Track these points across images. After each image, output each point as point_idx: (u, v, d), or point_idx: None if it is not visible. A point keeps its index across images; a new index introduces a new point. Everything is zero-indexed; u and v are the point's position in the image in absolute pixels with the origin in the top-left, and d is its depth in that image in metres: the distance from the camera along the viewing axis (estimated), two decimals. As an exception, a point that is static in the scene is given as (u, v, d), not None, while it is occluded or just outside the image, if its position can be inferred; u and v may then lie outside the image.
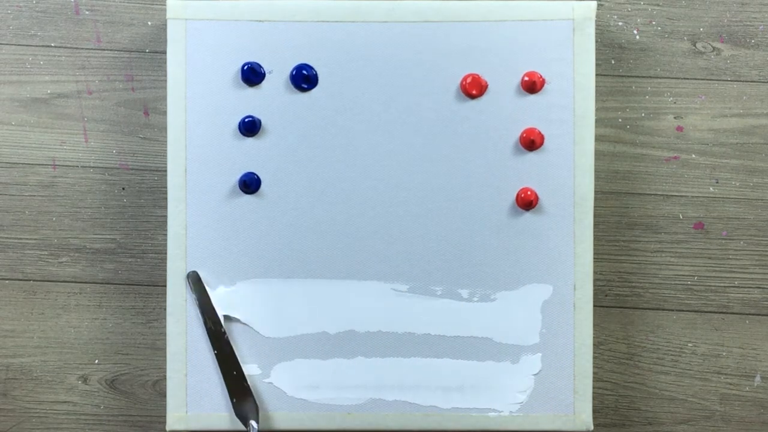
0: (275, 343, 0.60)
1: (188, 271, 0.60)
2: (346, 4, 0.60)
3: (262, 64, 0.60)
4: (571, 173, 0.60)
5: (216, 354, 0.59)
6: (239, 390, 0.59)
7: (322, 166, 0.60)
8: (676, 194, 0.63)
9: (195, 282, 0.59)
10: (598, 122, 0.63)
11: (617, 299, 0.64)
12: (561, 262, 0.60)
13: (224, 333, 0.59)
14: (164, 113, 0.63)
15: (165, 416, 0.61)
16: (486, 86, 0.60)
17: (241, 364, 0.60)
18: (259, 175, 0.60)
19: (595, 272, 0.63)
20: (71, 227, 0.63)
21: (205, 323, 0.59)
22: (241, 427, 0.60)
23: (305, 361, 0.60)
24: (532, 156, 0.60)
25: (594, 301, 0.61)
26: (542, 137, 0.60)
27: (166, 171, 0.61)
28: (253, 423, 0.58)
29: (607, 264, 0.63)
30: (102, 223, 0.63)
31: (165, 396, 0.61)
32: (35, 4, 0.63)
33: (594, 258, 0.61)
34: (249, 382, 0.59)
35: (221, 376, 0.59)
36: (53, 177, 0.63)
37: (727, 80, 0.63)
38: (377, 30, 0.60)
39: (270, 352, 0.60)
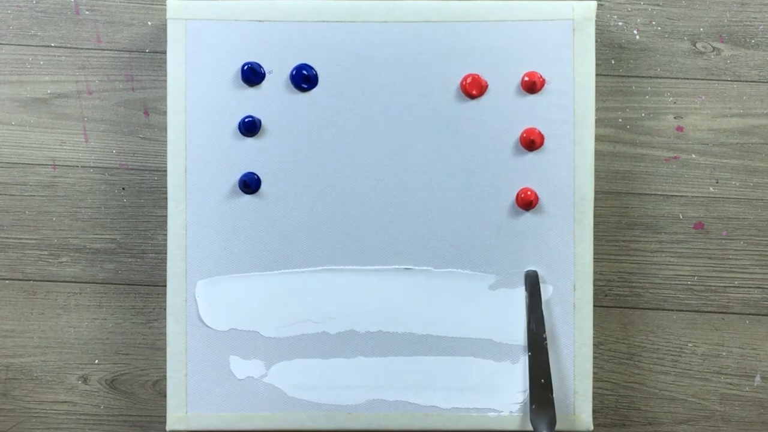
0: (275, 343, 0.60)
1: (527, 270, 0.59)
2: (346, 4, 0.60)
3: (262, 64, 0.60)
4: (571, 173, 0.60)
5: (530, 356, 0.59)
6: (542, 399, 0.58)
7: (322, 166, 0.60)
8: (676, 194, 0.63)
9: (533, 280, 0.59)
10: (598, 122, 0.63)
11: (617, 299, 0.64)
12: (561, 262, 0.60)
13: (545, 339, 0.59)
14: (164, 113, 0.63)
15: (165, 416, 0.61)
16: (486, 86, 0.60)
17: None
18: (259, 175, 0.60)
19: (595, 272, 0.63)
20: (71, 227, 0.63)
21: (528, 323, 0.59)
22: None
23: (305, 361, 0.60)
24: (532, 156, 0.60)
25: (594, 301, 0.61)
26: (542, 137, 0.60)
27: (166, 171, 0.61)
28: None
29: (607, 264, 0.63)
30: (102, 223, 0.63)
31: (165, 396, 0.61)
32: (35, 4, 0.63)
33: (594, 258, 0.61)
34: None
35: (528, 379, 0.59)
36: (53, 177, 0.63)
37: (727, 80, 0.63)
38: (377, 30, 0.60)
39: (270, 352, 0.60)
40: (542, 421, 0.58)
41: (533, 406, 0.58)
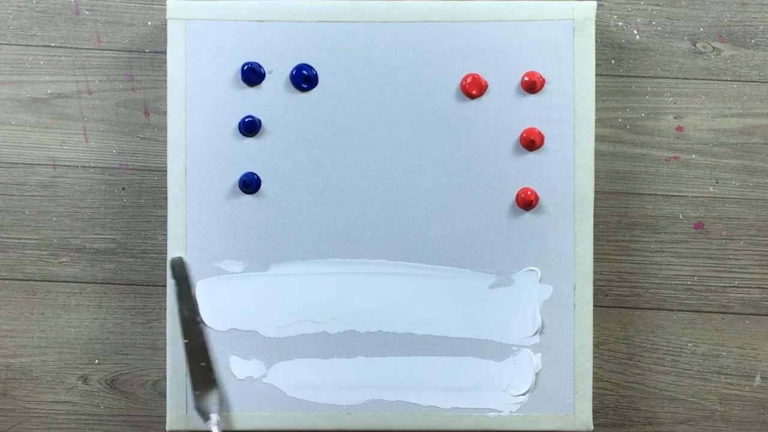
0: (275, 343, 0.60)
1: (172, 257, 0.59)
2: (346, 4, 0.60)
3: (262, 64, 0.60)
4: (571, 173, 0.60)
5: (186, 343, 0.58)
6: (204, 381, 0.58)
7: (322, 165, 0.60)
8: (676, 194, 0.63)
9: (179, 267, 0.59)
10: (598, 122, 0.63)
11: (617, 299, 0.64)
12: (561, 262, 0.60)
13: (199, 322, 0.58)
14: (164, 113, 0.63)
15: (165, 416, 0.61)
16: (486, 86, 0.60)
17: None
18: (259, 175, 0.60)
19: (595, 272, 0.63)
20: (71, 227, 0.63)
21: (180, 311, 0.59)
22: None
23: (305, 361, 0.60)
24: (532, 156, 0.60)
25: (594, 301, 0.61)
26: (542, 137, 0.60)
27: (166, 171, 0.61)
28: (214, 416, 0.57)
29: (607, 264, 0.63)
30: (102, 223, 0.63)
31: (165, 396, 0.61)
32: (35, 4, 0.63)
33: (594, 258, 0.61)
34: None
35: (187, 366, 0.59)
36: (53, 177, 0.63)
37: (727, 80, 0.63)
38: (377, 30, 0.60)
39: (270, 352, 0.60)
40: (211, 403, 0.58)
41: (197, 392, 0.58)
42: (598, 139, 0.63)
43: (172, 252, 0.60)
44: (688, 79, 0.63)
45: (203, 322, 0.59)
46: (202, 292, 0.60)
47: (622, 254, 0.63)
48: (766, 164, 0.63)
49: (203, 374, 0.58)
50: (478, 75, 0.60)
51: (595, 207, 0.62)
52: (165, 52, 0.61)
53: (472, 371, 0.60)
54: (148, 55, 0.63)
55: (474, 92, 0.60)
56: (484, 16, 0.60)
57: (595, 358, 0.63)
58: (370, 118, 0.60)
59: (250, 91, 0.60)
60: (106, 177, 0.63)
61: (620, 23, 0.63)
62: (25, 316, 0.64)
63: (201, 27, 0.60)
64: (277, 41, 0.60)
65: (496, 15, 0.60)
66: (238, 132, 0.60)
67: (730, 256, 0.64)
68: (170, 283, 0.59)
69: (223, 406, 0.58)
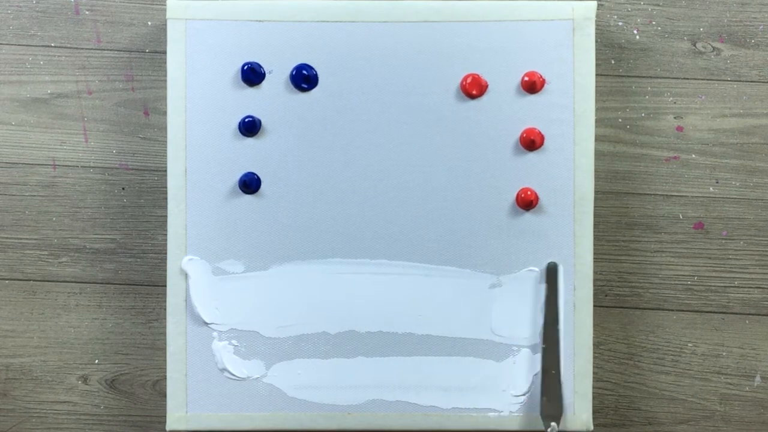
0: (275, 343, 0.60)
1: (549, 263, 0.60)
2: (346, 4, 0.60)
3: (262, 64, 0.60)
4: (571, 173, 0.60)
5: (544, 348, 0.59)
6: (552, 391, 0.59)
7: (322, 166, 0.60)
8: (676, 194, 0.63)
9: (553, 274, 0.59)
10: (598, 122, 0.63)
11: (617, 299, 0.64)
12: (561, 262, 0.60)
13: (558, 331, 0.59)
14: (164, 113, 0.63)
15: (165, 416, 0.61)
16: (486, 86, 0.60)
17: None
18: (259, 175, 0.60)
19: (595, 272, 0.63)
20: (71, 227, 0.63)
21: (546, 315, 0.59)
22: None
23: (305, 361, 0.60)
24: (532, 156, 0.60)
25: (594, 301, 0.61)
26: (542, 137, 0.60)
27: (166, 171, 0.61)
28: (554, 425, 0.59)
29: (607, 264, 0.63)
30: (102, 223, 0.63)
31: (165, 396, 0.61)
32: (35, 4, 0.63)
33: (594, 258, 0.61)
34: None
35: (541, 371, 0.60)
36: (53, 177, 0.63)
37: (727, 80, 0.63)
38: (377, 30, 0.60)
39: (270, 352, 0.60)
40: (555, 413, 0.59)
41: (544, 398, 0.59)
42: (598, 139, 0.63)
43: (173, 252, 0.60)
44: (688, 79, 0.63)
45: (560, 332, 0.60)
46: (202, 292, 0.60)
47: (622, 254, 0.63)
48: (766, 164, 0.63)
49: (553, 382, 0.59)
50: (478, 75, 0.60)
51: (595, 207, 0.62)
52: (165, 52, 0.61)
53: (472, 371, 0.60)
54: (148, 55, 0.63)
55: (474, 92, 0.60)
56: (484, 16, 0.60)
57: (595, 358, 0.63)
58: (370, 118, 0.60)
59: (250, 91, 0.60)
60: (106, 177, 0.63)
61: (620, 23, 0.63)
62: (25, 316, 0.64)
63: (201, 27, 0.60)
64: (277, 41, 0.60)
65: (496, 15, 0.60)
66: (238, 132, 0.60)
67: (730, 256, 0.64)
68: (540, 288, 0.60)
69: (560, 417, 0.59)
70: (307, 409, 0.60)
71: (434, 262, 0.60)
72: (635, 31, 0.63)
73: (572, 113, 0.60)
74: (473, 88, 0.60)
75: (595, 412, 0.63)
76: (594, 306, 0.61)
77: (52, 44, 0.63)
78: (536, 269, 0.60)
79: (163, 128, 0.63)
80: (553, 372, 0.59)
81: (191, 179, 0.60)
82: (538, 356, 0.60)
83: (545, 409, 0.59)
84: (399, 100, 0.60)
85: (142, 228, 0.64)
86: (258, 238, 0.60)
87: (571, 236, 0.60)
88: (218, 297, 0.60)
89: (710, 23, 0.63)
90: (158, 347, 0.64)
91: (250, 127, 0.60)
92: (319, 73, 0.60)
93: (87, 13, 0.63)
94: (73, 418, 0.64)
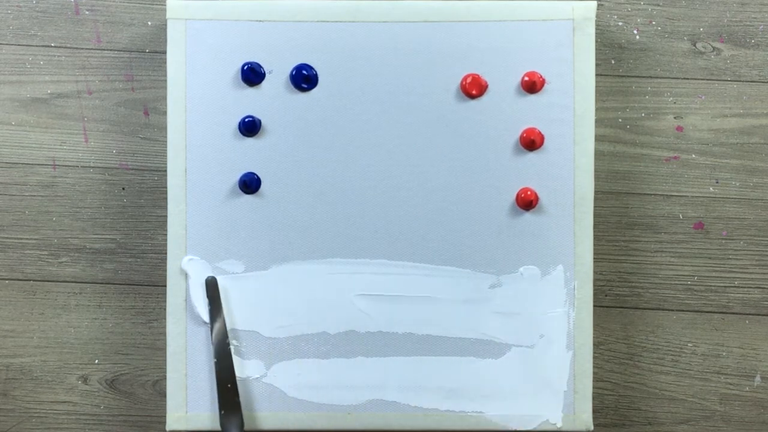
0: (275, 343, 0.60)
1: (207, 276, 0.59)
2: (346, 4, 0.60)
3: (262, 64, 0.60)
4: (571, 173, 0.60)
5: (215, 362, 0.59)
6: (229, 404, 0.59)
7: (322, 165, 0.60)
8: (676, 194, 0.63)
9: (212, 288, 0.59)
10: (598, 122, 0.63)
11: (617, 299, 0.64)
12: (561, 262, 0.60)
13: (228, 344, 0.59)
14: (164, 113, 0.63)
15: (165, 416, 0.61)
16: (486, 86, 0.60)
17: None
18: (259, 175, 0.60)
19: (595, 272, 0.63)
20: (71, 227, 0.63)
21: (211, 330, 0.59)
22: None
23: (305, 361, 0.60)
24: (532, 156, 0.60)
25: (594, 301, 0.61)
26: (542, 137, 0.60)
27: (166, 171, 0.61)
28: None
29: (607, 264, 0.63)
30: (102, 223, 0.63)
31: (165, 396, 0.61)
32: (35, 4, 0.63)
33: (594, 258, 0.61)
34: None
35: (215, 385, 0.59)
36: (53, 177, 0.63)
37: (727, 80, 0.63)
38: (377, 30, 0.60)
39: (270, 352, 0.60)
40: (232, 424, 0.58)
41: (222, 412, 0.59)
42: (598, 139, 0.63)
43: (172, 252, 0.60)
44: (688, 79, 0.63)
45: (230, 345, 0.59)
46: (202, 292, 0.60)
47: (622, 254, 0.63)
48: (766, 164, 0.63)
49: (229, 396, 0.59)
50: (478, 75, 0.60)
51: (595, 207, 0.62)
52: (165, 52, 0.61)
53: (472, 371, 0.60)
54: (148, 55, 0.63)
55: (474, 92, 0.60)
56: (484, 16, 0.60)
57: (595, 358, 0.63)
58: (370, 118, 0.60)
59: (250, 91, 0.60)
60: (106, 177, 0.63)
61: (620, 23, 0.63)
62: (25, 316, 0.64)
63: (201, 27, 0.60)
64: (277, 41, 0.60)
65: (496, 15, 0.60)
66: (238, 132, 0.60)
67: (730, 256, 0.64)
68: (205, 302, 0.59)
69: (242, 428, 0.59)
70: (307, 409, 0.60)
71: (434, 262, 0.60)
72: (635, 31, 0.63)
73: (572, 113, 0.60)
74: (473, 88, 0.60)
75: (595, 412, 0.63)
76: (594, 306, 0.61)
77: (52, 44, 0.63)
78: (536, 268, 0.60)
79: (163, 128, 0.63)
80: (229, 386, 0.59)
81: (191, 179, 0.60)
82: (538, 356, 0.60)
83: (224, 423, 0.58)
84: (399, 100, 0.60)
85: (142, 228, 0.64)
86: (258, 238, 0.60)
87: (571, 236, 0.60)
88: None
89: (710, 23, 0.63)
90: (158, 347, 0.64)
91: (250, 127, 0.60)
92: (319, 73, 0.60)
93: (87, 13, 0.63)
94: (73, 418, 0.64)
